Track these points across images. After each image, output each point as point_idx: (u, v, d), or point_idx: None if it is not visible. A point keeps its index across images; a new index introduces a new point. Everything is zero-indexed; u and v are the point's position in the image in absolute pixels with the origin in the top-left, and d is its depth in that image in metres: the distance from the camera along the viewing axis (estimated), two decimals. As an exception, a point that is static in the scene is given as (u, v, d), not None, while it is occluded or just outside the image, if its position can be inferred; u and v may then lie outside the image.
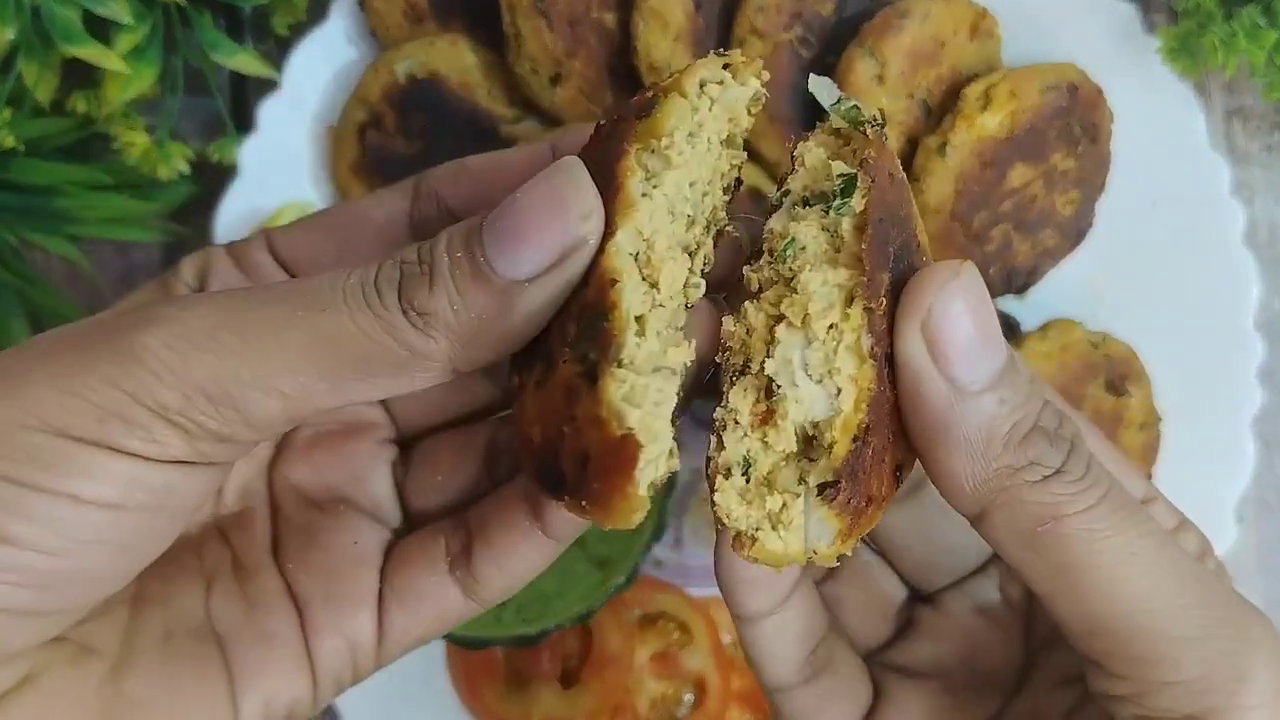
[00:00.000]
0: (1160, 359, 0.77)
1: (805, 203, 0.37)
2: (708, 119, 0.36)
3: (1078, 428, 0.36)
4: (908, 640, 0.46)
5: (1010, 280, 0.77)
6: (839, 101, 0.37)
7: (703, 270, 0.37)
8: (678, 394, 0.34)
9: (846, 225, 0.35)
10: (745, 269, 0.37)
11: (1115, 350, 0.76)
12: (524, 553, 0.41)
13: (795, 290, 0.35)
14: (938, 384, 0.34)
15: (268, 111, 0.76)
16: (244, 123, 0.78)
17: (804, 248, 0.36)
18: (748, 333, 0.36)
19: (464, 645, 0.68)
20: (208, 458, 0.35)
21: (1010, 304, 0.78)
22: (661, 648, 0.77)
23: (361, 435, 0.45)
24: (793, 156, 0.38)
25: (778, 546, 0.35)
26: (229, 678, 0.40)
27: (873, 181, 0.35)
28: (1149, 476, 0.77)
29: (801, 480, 0.35)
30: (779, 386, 0.35)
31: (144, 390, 0.33)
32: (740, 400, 0.35)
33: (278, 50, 0.79)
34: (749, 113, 0.37)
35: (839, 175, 0.35)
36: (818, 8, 0.72)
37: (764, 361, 0.35)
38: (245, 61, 0.75)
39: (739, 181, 0.38)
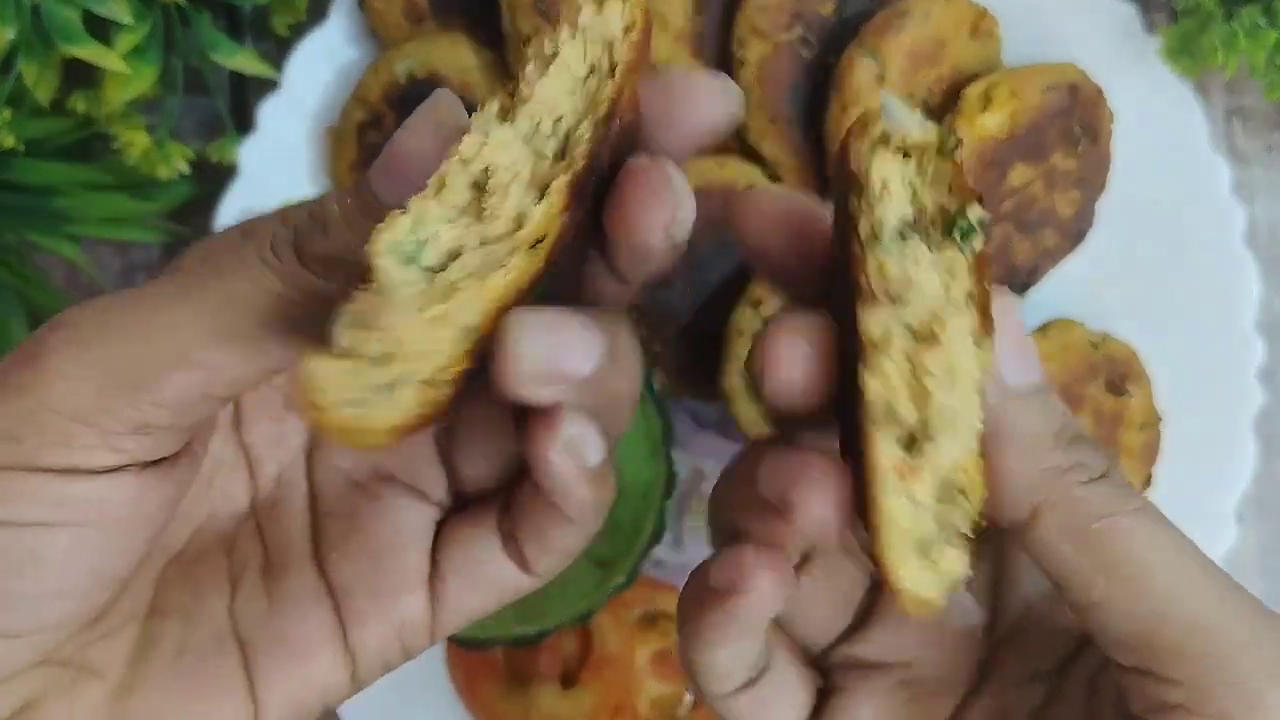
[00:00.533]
0: (1160, 359, 0.77)
1: (901, 235, 0.35)
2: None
3: (1110, 453, 0.38)
4: (867, 629, 0.44)
5: (1010, 281, 0.77)
6: (926, 123, 0.35)
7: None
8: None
9: (962, 264, 0.34)
10: (861, 312, 0.34)
11: (1115, 350, 0.76)
12: (558, 538, 0.40)
13: (927, 338, 0.34)
14: (989, 386, 0.35)
15: (267, 111, 0.76)
16: (244, 123, 0.78)
17: (925, 293, 0.34)
18: (893, 391, 0.34)
19: (464, 645, 0.68)
20: (132, 456, 0.34)
21: (1010, 304, 0.78)
22: (661, 647, 0.77)
23: None
24: (856, 173, 0.35)
25: (935, 596, 0.33)
26: (249, 684, 0.39)
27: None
28: (1149, 476, 0.77)
29: (944, 527, 0.34)
30: (930, 440, 0.33)
31: (55, 397, 0.33)
32: (887, 455, 0.33)
33: (277, 50, 0.79)
34: (626, 36, 0.35)
35: (978, 219, 0.34)
36: (818, 8, 0.73)
37: (918, 419, 0.34)
38: (245, 61, 0.75)
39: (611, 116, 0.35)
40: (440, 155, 0.33)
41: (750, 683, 0.42)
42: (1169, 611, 0.35)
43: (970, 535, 0.34)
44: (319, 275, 0.34)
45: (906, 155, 0.35)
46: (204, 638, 0.39)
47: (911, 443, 0.34)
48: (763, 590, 0.37)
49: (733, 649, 0.40)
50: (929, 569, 0.33)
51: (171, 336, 0.34)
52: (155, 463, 0.36)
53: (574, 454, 0.36)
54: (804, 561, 0.44)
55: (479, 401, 0.41)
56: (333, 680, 0.40)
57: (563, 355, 0.33)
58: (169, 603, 0.40)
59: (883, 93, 0.35)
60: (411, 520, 0.42)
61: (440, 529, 0.42)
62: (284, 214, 0.36)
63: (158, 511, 0.37)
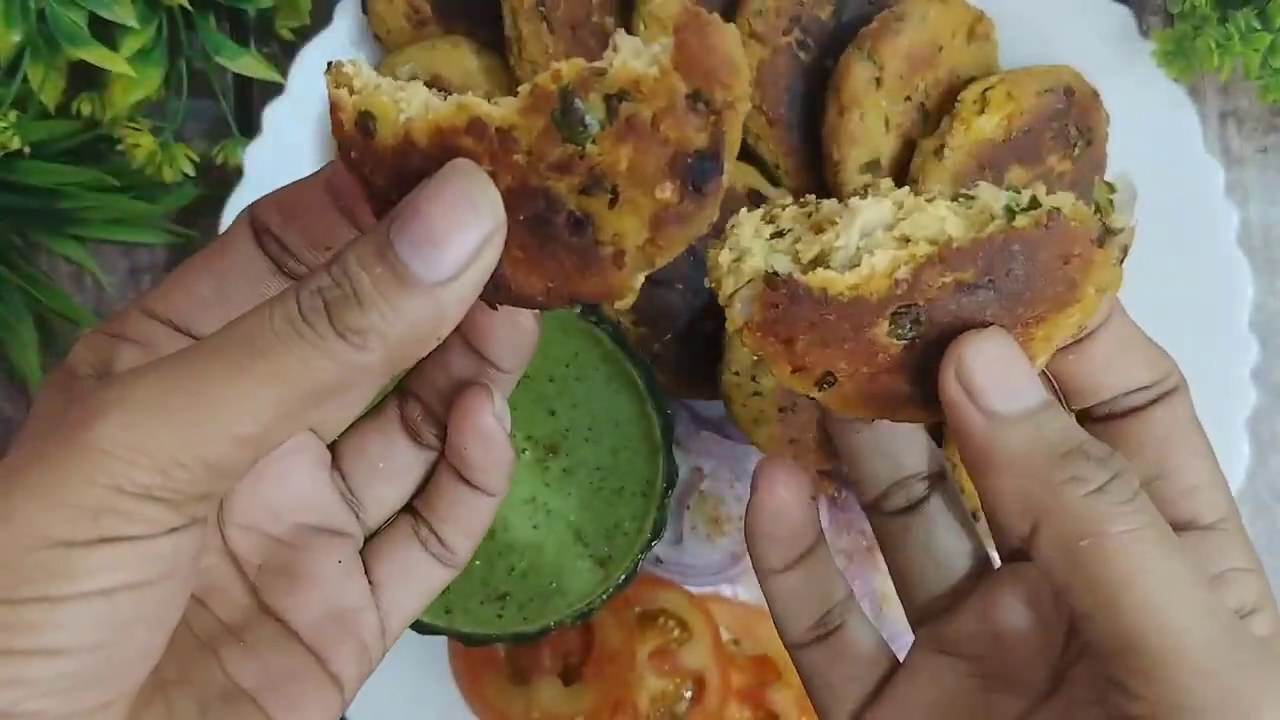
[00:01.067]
0: (1155, 359, 0.77)
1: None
2: None
3: (1125, 465, 0.38)
4: (956, 612, 0.47)
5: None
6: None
7: None
8: None
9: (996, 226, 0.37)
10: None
11: (1111, 350, 0.77)
12: (476, 514, 0.47)
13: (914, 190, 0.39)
14: (975, 415, 0.38)
15: (272, 115, 0.76)
16: (248, 126, 0.79)
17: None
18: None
19: (466, 642, 0.69)
20: (194, 516, 0.36)
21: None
22: (661, 644, 0.78)
23: (294, 456, 0.46)
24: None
25: (725, 263, 0.38)
26: None
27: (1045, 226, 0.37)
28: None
29: (775, 236, 0.38)
30: (837, 221, 0.38)
31: (123, 479, 0.34)
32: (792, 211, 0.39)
33: (282, 54, 0.80)
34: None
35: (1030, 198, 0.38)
36: (816, 11, 0.73)
37: (845, 201, 0.38)
38: (249, 64, 0.76)
39: None
40: (475, 228, 0.35)
41: (824, 637, 0.48)
42: (1141, 632, 0.36)
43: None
44: (354, 346, 0.35)
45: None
46: (217, 696, 0.42)
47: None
48: (777, 482, 0.46)
49: (795, 574, 0.47)
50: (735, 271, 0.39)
51: (221, 417, 0.35)
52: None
53: (503, 419, 0.46)
54: (915, 507, 0.48)
55: (372, 436, 0.48)
56: (331, 703, 0.45)
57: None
58: (168, 675, 0.41)
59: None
60: (343, 555, 0.47)
61: (364, 555, 0.48)
62: (308, 280, 0.37)
63: (201, 553, 0.38)
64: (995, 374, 0.38)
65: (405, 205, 0.36)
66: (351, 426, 0.48)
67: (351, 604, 0.46)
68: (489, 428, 0.45)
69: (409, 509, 0.48)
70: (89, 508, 0.34)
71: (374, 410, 0.48)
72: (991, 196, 0.38)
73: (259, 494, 0.45)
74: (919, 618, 0.49)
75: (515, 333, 0.45)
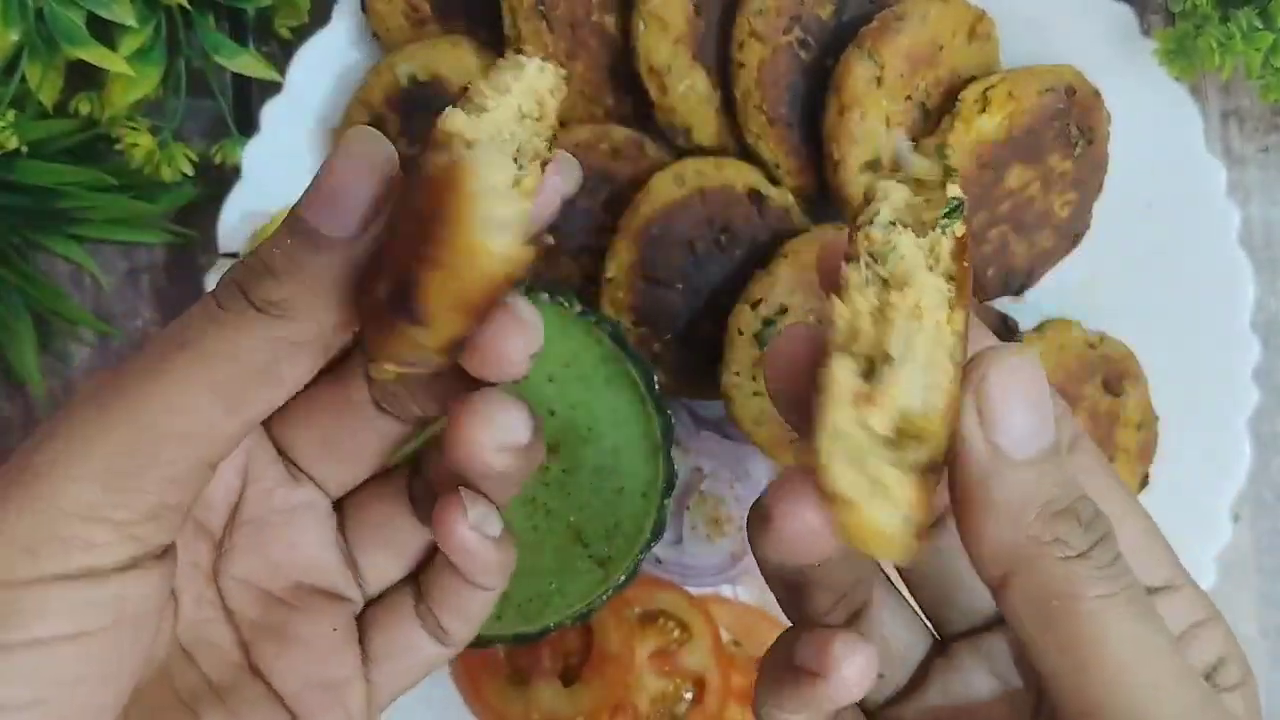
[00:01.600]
0: (1157, 359, 0.77)
1: (890, 224, 0.37)
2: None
3: (1110, 526, 0.37)
4: (917, 692, 0.45)
5: (1008, 282, 0.77)
6: (936, 151, 0.38)
7: None
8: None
9: (946, 245, 0.36)
10: (844, 265, 0.37)
11: (1112, 350, 0.77)
12: (474, 603, 0.45)
13: (899, 289, 0.36)
14: (980, 447, 0.35)
15: (270, 113, 0.76)
16: (247, 125, 0.79)
17: (904, 256, 0.36)
18: (854, 318, 0.36)
19: (466, 643, 0.69)
20: (146, 544, 0.35)
21: (1007, 305, 0.78)
22: (661, 645, 0.78)
23: (299, 512, 0.45)
24: (867, 195, 0.38)
25: (877, 519, 0.34)
26: None
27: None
28: (1145, 475, 0.78)
29: (897, 464, 0.34)
30: (886, 365, 0.35)
31: (60, 498, 0.33)
32: (843, 373, 0.35)
33: (280, 52, 0.79)
34: (551, 95, 0.39)
35: (953, 197, 0.36)
36: (817, 10, 0.73)
37: (872, 341, 0.35)
38: (247, 63, 0.75)
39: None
40: (375, 188, 0.36)
41: None
42: (1110, 696, 0.35)
43: (926, 475, 0.34)
44: (269, 314, 0.35)
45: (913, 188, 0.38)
46: None
47: (870, 371, 0.35)
48: (849, 679, 0.39)
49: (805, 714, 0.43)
50: (879, 493, 0.34)
51: (159, 415, 0.34)
52: (158, 557, 0.36)
53: (480, 528, 0.41)
54: (858, 615, 0.44)
55: (377, 504, 0.46)
56: None
57: (513, 428, 0.39)
58: None
59: (896, 136, 0.36)
60: (338, 622, 0.45)
61: (360, 621, 0.46)
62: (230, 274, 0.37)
63: (161, 607, 0.37)
64: (1018, 406, 0.35)
65: (316, 177, 0.36)
66: (359, 489, 0.46)
67: (341, 674, 0.44)
68: (466, 542, 0.42)
69: (413, 578, 0.46)
70: (24, 537, 0.33)
71: (381, 477, 0.46)
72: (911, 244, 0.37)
73: (262, 547, 0.44)
74: (875, 709, 0.46)
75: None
